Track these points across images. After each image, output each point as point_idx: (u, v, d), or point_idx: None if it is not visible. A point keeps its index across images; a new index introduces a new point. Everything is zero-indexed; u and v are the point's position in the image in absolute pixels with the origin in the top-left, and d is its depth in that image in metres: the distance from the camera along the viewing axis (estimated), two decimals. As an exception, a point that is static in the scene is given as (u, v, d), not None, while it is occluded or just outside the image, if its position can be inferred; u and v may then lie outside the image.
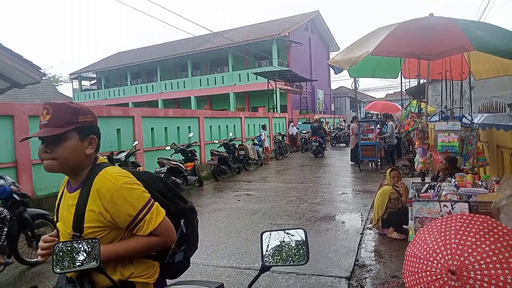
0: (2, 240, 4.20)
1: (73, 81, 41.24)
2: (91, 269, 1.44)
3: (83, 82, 42.03)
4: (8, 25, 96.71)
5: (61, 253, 1.44)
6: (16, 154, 6.85)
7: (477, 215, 3.04)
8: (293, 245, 1.42)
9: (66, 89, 63.28)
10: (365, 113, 32.94)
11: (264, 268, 1.40)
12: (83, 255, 1.45)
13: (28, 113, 7.09)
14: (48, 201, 7.22)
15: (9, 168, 6.74)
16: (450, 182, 4.43)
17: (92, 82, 43.30)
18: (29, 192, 6.95)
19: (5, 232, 4.24)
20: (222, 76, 29.70)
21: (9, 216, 4.33)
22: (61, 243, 1.47)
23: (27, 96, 24.66)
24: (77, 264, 1.43)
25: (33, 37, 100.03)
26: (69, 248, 1.45)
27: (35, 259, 4.60)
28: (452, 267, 2.66)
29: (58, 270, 1.43)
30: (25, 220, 4.63)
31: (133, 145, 8.63)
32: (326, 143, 19.31)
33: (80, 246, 1.46)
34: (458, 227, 2.93)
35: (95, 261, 1.43)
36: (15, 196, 4.62)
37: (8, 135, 6.78)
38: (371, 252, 4.78)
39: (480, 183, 4.42)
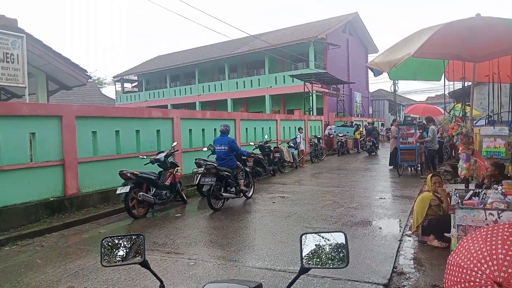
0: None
1: (116, 83, 43.00)
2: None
3: (125, 85, 43.72)
4: (56, 29, 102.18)
5: (108, 247, 1.52)
6: (64, 152, 7.22)
7: (526, 225, 2.89)
8: (333, 248, 1.41)
9: (109, 91, 65.98)
10: (404, 116, 31.99)
11: (303, 270, 1.41)
12: (128, 250, 1.52)
13: (75, 114, 7.46)
14: (93, 198, 7.57)
15: (57, 166, 7.12)
16: (497, 189, 4.21)
17: (133, 84, 44.95)
18: (74, 189, 7.32)
19: (244, 173, 8.29)
20: (259, 79, 29.87)
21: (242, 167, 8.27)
22: (108, 238, 1.54)
23: (73, 97, 25.87)
24: (123, 258, 1.51)
25: (79, 39, 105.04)
26: (115, 243, 1.53)
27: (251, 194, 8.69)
28: (498, 279, 2.54)
29: (106, 263, 1.51)
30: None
31: (172, 145, 8.86)
32: (379, 143, 22.12)
33: (126, 241, 1.53)
34: (505, 237, 2.79)
35: (140, 256, 1.50)
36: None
37: (57, 135, 7.16)
38: (410, 259, 4.64)
39: (529, 191, 4.18)
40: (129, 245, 1.52)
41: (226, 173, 7.70)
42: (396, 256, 4.70)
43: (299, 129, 16.03)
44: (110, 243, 1.53)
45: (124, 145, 8.56)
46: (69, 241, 5.76)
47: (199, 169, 8.92)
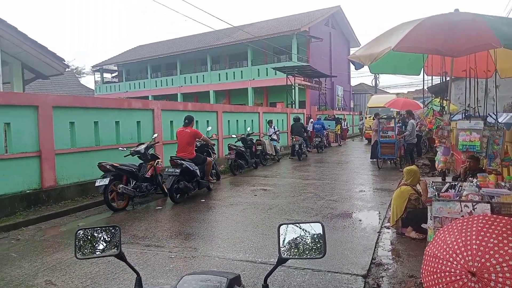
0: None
1: (95, 73, 42.06)
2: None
3: (105, 75, 42.80)
4: (33, 16, 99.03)
5: (83, 240, 1.48)
6: (40, 143, 7.03)
7: (499, 217, 2.97)
8: (310, 238, 1.42)
9: (88, 81, 64.46)
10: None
11: (281, 261, 1.41)
12: (104, 242, 1.48)
13: (52, 104, 7.26)
14: (71, 191, 7.41)
15: (33, 158, 6.93)
16: (472, 182, 4.32)
17: (113, 74, 44.03)
18: (51, 181, 7.15)
19: None
20: (241, 71, 29.73)
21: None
22: (83, 229, 1.50)
23: (51, 87, 25.21)
24: (99, 250, 1.47)
25: (57, 28, 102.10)
26: (90, 235, 1.49)
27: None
28: (472, 268, 2.60)
29: (80, 256, 1.47)
30: None
31: (153, 137, 8.73)
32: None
33: (101, 233, 1.50)
34: (479, 228, 2.86)
35: (116, 248, 1.46)
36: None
37: (33, 125, 6.95)
38: (389, 251, 4.73)
39: (503, 184, 4.30)
40: (104, 237, 1.49)
41: None
42: (375, 247, 4.78)
43: (268, 122, 15.38)
44: (85, 235, 1.49)
45: (103, 137, 8.39)
46: (46, 234, 5.63)
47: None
